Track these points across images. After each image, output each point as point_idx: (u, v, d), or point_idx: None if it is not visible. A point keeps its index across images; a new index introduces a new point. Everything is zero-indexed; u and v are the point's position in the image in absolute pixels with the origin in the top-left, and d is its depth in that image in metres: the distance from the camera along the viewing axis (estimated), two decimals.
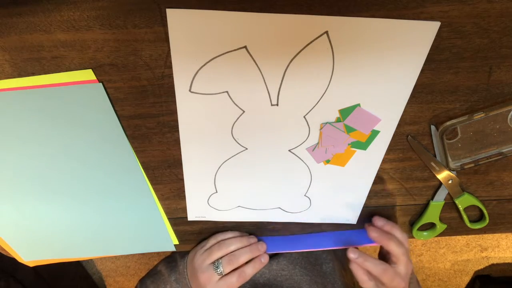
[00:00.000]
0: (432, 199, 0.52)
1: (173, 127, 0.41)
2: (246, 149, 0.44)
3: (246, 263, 0.53)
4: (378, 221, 0.51)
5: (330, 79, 0.37)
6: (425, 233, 0.58)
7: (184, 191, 0.49)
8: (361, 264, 0.47)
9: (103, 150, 0.43)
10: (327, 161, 0.46)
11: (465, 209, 0.53)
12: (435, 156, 0.46)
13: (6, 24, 0.32)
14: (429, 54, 0.36)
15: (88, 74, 0.36)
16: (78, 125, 0.40)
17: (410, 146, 0.45)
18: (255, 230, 0.56)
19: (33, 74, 0.35)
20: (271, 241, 0.56)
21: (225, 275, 0.51)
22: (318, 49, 0.35)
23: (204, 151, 0.44)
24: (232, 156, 0.45)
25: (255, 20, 0.33)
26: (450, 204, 0.53)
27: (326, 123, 0.41)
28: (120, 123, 0.40)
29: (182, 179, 0.47)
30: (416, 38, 0.34)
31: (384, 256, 0.53)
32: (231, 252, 0.52)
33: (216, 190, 0.49)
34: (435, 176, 0.48)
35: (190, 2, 0.31)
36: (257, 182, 0.48)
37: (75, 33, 0.33)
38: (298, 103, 0.39)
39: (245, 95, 0.38)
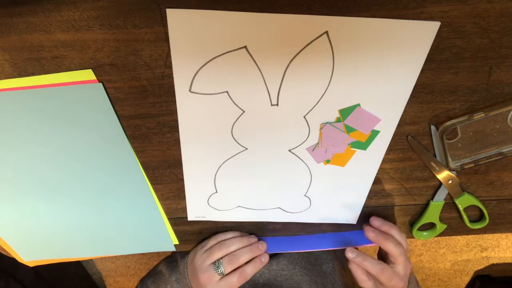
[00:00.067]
0: (432, 199, 0.52)
1: (173, 127, 0.41)
2: (246, 149, 0.44)
3: (246, 262, 0.53)
4: (375, 221, 0.51)
5: (330, 79, 0.37)
6: (425, 233, 0.58)
7: (184, 191, 0.49)
8: (360, 263, 0.47)
9: (103, 150, 0.43)
10: (327, 161, 0.46)
11: (465, 209, 0.53)
12: (435, 156, 0.46)
13: (6, 24, 0.32)
14: (429, 54, 0.36)
15: (88, 74, 0.36)
16: (78, 125, 0.40)
17: (410, 146, 0.45)
18: (255, 230, 0.56)
19: (33, 74, 0.35)
20: (271, 241, 0.56)
21: (226, 275, 0.51)
22: (318, 49, 0.35)
23: (204, 151, 0.44)
24: (232, 156, 0.45)
25: (255, 20, 0.33)
26: (450, 204, 0.53)
27: (326, 123, 0.41)
28: (120, 123, 0.40)
29: (182, 179, 0.47)
30: (416, 38, 0.34)
31: (383, 256, 0.53)
32: (232, 252, 0.52)
33: (216, 190, 0.49)
34: (435, 176, 0.48)
35: (190, 2, 0.31)
36: (257, 182, 0.48)
37: (75, 33, 0.33)
38: (298, 103, 0.39)
39: (245, 95, 0.38)
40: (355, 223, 0.55)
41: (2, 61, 0.34)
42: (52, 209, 0.49)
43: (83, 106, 0.38)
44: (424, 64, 0.36)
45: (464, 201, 0.52)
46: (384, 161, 0.46)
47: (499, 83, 0.39)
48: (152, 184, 0.48)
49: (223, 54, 0.35)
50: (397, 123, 0.42)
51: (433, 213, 0.54)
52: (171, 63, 0.35)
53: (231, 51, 0.35)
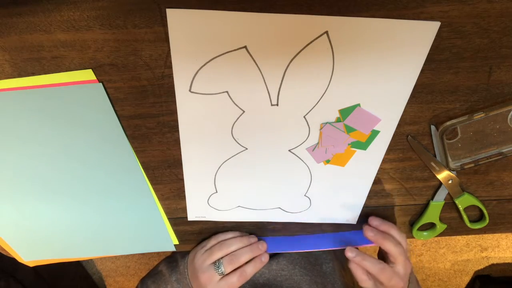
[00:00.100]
0: (432, 199, 0.52)
1: (173, 127, 0.41)
2: (246, 149, 0.44)
3: (246, 262, 0.53)
4: (374, 220, 0.51)
5: (330, 79, 0.37)
6: (425, 233, 0.58)
7: (184, 191, 0.49)
8: (359, 263, 0.47)
9: (103, 150, 0.43)
10: (327, 161, 0.46)
11: (465, 209, 0.53)
12: (435, 156, 0.46)
13: (6, 24, 0.32)
14: (429, 54, 0.36)
15: (88, 74, 0.36)
16: (78, 125, 0.40)
17: (410, 146, 0.45)
18: (255, 230, 0.56)
19: (33, 74, 0.35)
20: (271, 241, 0.56)
21: (226, 275, 0.51)
22: (318, 49, 0.35)
23: (204, 151, 0.44)
24: (232, 156, 0.45)
25: (255, 20, 0.33)
26: (450, 204, 0.53)
27: (326, 123, 0.41)
28: (120, 123, 0.40)
29: (182, 179, 0.47)
30: (416, 38, 0.34)
31: (383, 256, 0.53)
32: (232, 252, 0.52)
33: (216, 190, 0.49)
34: (435, 176, 0.48)
35: (190, 2, 0.31)
36: (257, 182, 0.48)
37: (75, 33, 0.33)
38: (298, 103, 0.39)
39: (245, 95, 0.38)
40: (355, 223, 0.55)
41: (2, 61, 0.34)
42: (52, 209, 0.49)
43: (83, 106, 0.38)
44: (424, 64, 0.36)
45: (464, 201, 0.52)
46: (384, 161, 0.46)
47: (499, 83, 0.39)
48: (152, 184, 0.48)
49: (223, 54, 0.35)
50: (397, 123, 0.42)
51: (433, 213, 0.54)
52: (171, 63, 0.35)
53: (231, 51, 0.35)
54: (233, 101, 0.39)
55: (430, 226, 0.58)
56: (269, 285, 0.58)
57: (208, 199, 0.50)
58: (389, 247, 0.48)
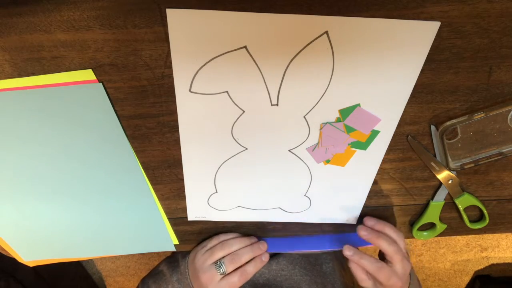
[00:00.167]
0: (432, 199, 0.52)
1: (173, 127, 0.41)
2: (246, 149, 0.44)
3: (247, 262, 0.53)
4: (369, 221, 0.51)
5: (330, 79, 0.37)
6: (425, 233, 0.58)
7: (184, 191, 0.49)
8: (357, 261, 0.47)
9: (103, 150, 0.43)
10: (327, 161, 0.46)
11: (465, 209, 0.53)
12: (435, 156, 0.46)
13: (6, 24, 0.32)
14: (429, 54, 0.36)
15: (88, 74, 0.36)
16: (78, 125, 0.40)
17: (410, 146, 0.45)
18: (255, 230, 0.56)
19: (33, 74, 0.35)
20: (271, 242, 0.56)
21: (227, 274, 0.51)
22: (318, 49, 0.35)
23: (204, 151, 0.44)
24: (232, 156, 0.45)
25: (255, 20, 0.33)
26: (450, 204, 0.53)
27: (326, 123, 0.41)
28: (120, 123, 0.40)
29: (182, 179, 0.47)
30: (416, 38, 0.34)
31: (383, 257, 0.53)
32: (233, 252, 0.53)
33: (216, 190, 0.49)
34: (435, 176, 0.48)
35: (190, 2, 0.31)
36: (257, 182, 0.48)
37: (75, 33, 0.33)
38: (298, 103, 0.39)
39: (245, 95, 0.38)
40: (355, 223, 0.55)
41: (2, 61, 0.34)
42: (52, 209, 0.49)
43: (83, 106, 0.38)
44: (424, 64, 0.36)
45: (464, 201, 0.52)
46: (384, 161, 0.46)
47: (499, 83, 0.39)
48: (152, 184, 0.48)
49: (223, 54, 0.35)
50: (397, 123, 0.42)
51: (433, 213, 0.54)
52: (171, 63, 0.35)
53: (231, 51, 0.35)
54: (233, 101, 0.39)
55: (430, 226, 0.58)
56: (269, 285, 0.58)
57: (208, 199, 0.50)
58: (383, 245, 0.48)
